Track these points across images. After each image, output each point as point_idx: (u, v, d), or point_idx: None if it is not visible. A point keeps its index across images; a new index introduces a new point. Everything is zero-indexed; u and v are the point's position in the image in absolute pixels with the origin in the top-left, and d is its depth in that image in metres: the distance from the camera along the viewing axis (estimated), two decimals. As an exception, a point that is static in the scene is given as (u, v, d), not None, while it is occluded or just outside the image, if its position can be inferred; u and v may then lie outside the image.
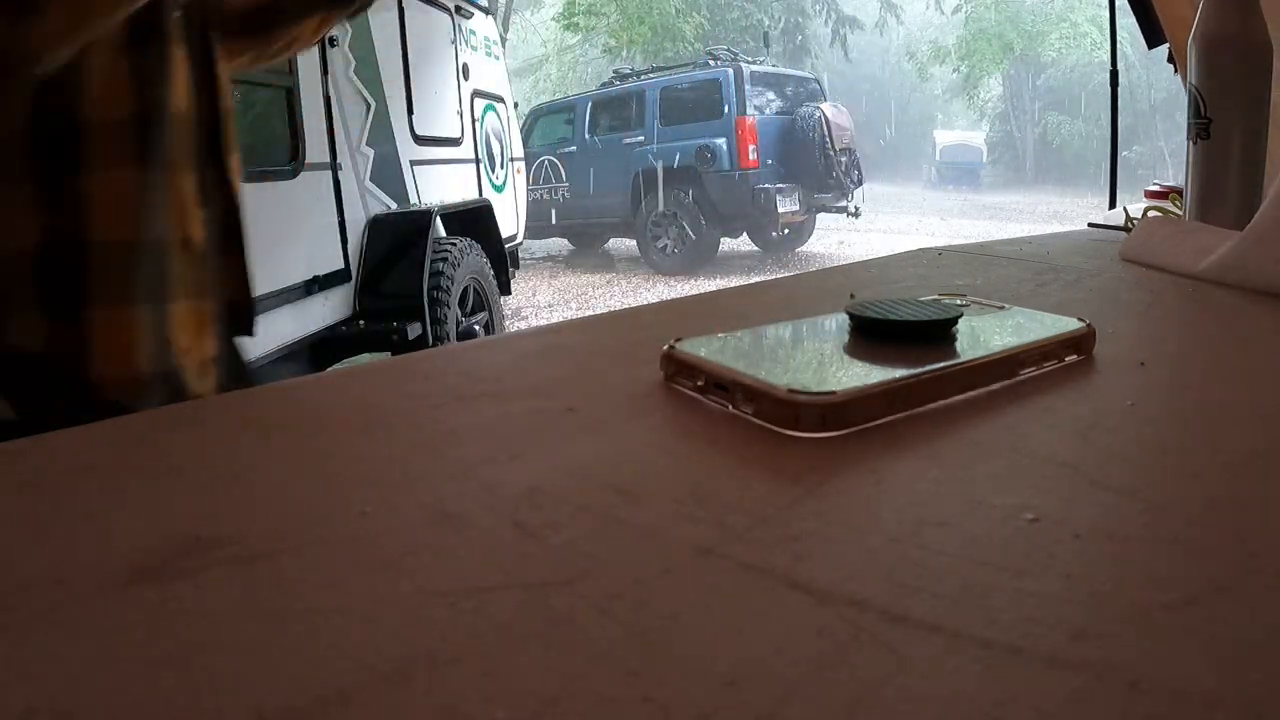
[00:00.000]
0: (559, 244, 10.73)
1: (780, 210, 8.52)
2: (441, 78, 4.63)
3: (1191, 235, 0.64)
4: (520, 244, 5.90)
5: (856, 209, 9.39)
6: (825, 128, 8.59)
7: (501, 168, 5.46)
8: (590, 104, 9.70)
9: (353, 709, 0.16)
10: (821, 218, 9.96)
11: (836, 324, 0.40)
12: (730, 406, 0.32)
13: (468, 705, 0.16)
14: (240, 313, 0.77)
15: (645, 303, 0.77)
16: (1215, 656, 0.17)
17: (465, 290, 4.10)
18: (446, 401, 0.35)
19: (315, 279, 3.27)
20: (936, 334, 0.37)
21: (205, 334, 0.71)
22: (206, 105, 0.72)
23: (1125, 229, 0.93)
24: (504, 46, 6.12)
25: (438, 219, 3.99)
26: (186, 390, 0.68)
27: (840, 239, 10.83)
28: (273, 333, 3.01)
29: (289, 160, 3.20)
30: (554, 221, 9.75)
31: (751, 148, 8.41)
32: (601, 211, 9.48)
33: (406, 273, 3.70)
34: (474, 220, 4.50)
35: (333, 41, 3.48)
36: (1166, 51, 2.00)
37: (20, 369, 0.63)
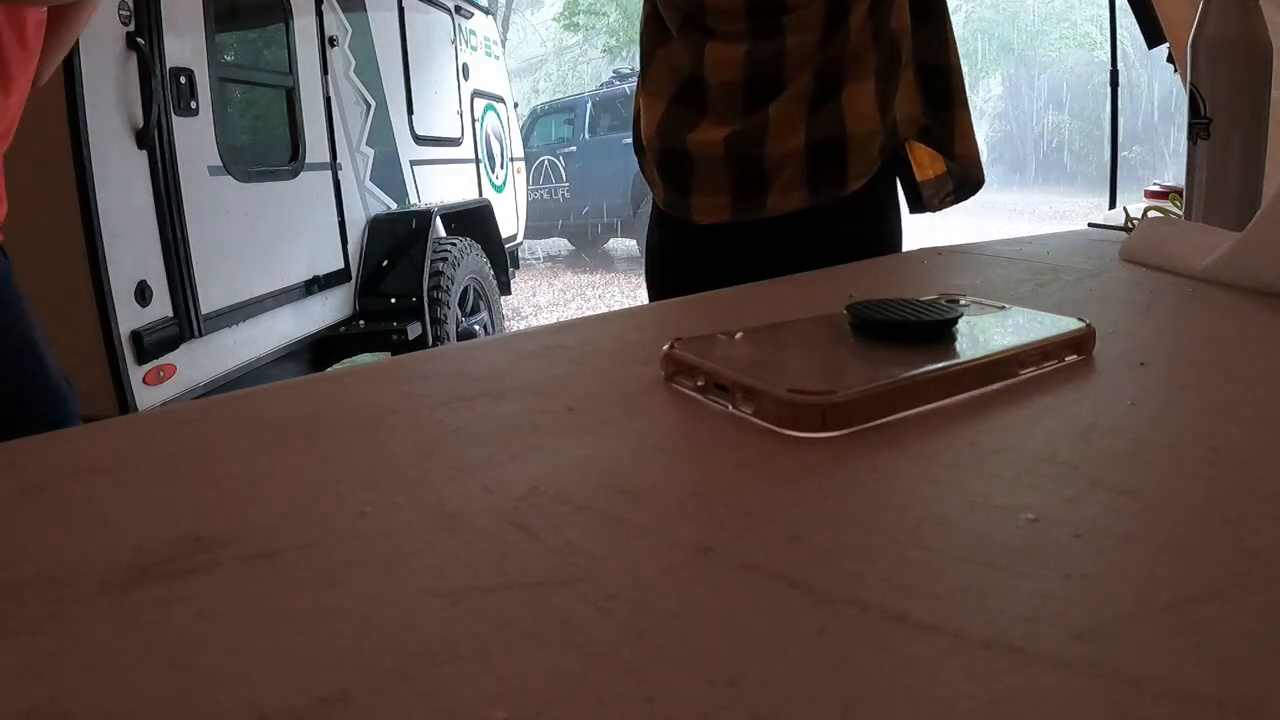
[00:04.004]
0: (559, 244, 10.71)
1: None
2: (441, 78, 4.63)
3: (1191, 235, 0.64)
4: (520, 244, 5.90)
5: (857, 209, 9.37)
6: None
7: (501, 168, 5.45)
8: (590, 104, 9.70)
9: (353, 709, 0.16)
10: (822, 218, 9.94)
11: (836, 324, 0.40)
12: (730, 406, 0.32)
13: (468, 705, 0.16)
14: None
15: (645, 303, 0.77)
16: (1215, 656, 0.17)
17: (465, 290, 4.10)
18: (446, 401, 0.35)
19: (315, 279, 3.27)
20: (936, 334, 0.37)
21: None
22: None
23: (1125, 229, 0.93)
24: (504, 46, 6.11)
25: (438, 219, 3.99)
26: None
27: (841, 239, 10.77)
28: (273, 333, 3.01)
29: (289, 160, 3.20)
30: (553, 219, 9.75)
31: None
32: (601, 212, 9.48)
33: (406, 273, 3.70)
34: (474, 220, 4.50)
35: (333, 41, 3.48)
36: (1166, 51, 2.00)
37: None
